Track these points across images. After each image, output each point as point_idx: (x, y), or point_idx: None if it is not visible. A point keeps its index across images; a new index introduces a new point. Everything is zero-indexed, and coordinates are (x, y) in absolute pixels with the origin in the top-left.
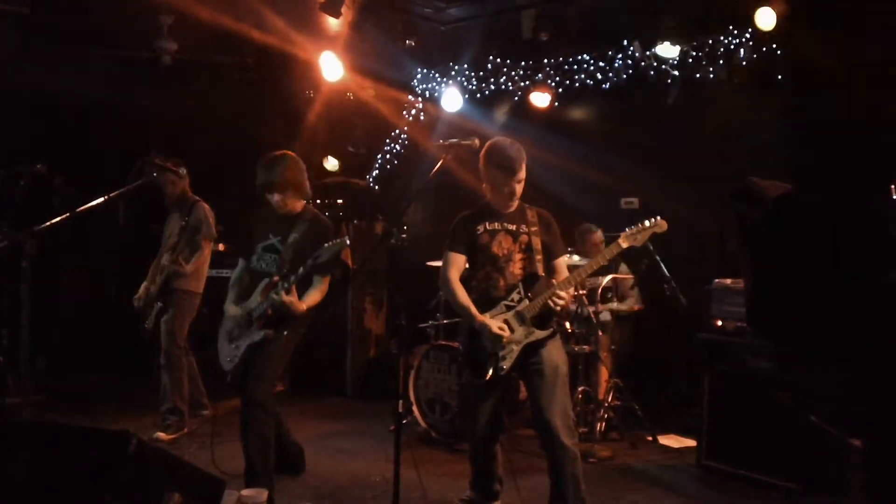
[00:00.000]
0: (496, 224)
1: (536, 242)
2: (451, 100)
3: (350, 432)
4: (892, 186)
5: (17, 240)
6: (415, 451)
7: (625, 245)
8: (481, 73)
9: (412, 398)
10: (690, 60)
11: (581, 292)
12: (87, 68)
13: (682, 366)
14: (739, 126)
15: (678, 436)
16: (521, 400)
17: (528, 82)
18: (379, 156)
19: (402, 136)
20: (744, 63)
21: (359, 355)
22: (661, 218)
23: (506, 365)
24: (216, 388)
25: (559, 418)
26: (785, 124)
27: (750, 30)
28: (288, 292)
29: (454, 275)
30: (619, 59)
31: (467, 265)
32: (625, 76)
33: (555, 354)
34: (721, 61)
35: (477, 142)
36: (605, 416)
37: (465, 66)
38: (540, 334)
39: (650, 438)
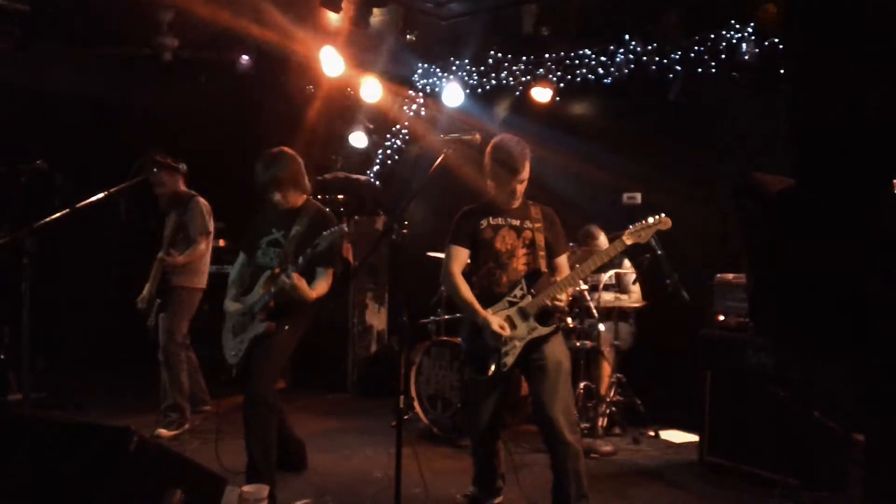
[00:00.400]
0: (500, 219)
1: (540, 239)
2: (452, 95)
3: (351, 429)
4: (895, 182)
5: (17, 237)
6: (416, 448)
7: (629, 242)
8: (482, 69)
9: (414, 394)
10: (692, 55)
11: (583, 288)
12: (87, 65)
13: (684, 361)
14: (742, 121)
15: (680, 431)
16: (523, 396)
17: (529, 77)
18: (380, 151)
19: (403, 131)
20: (746, 58)
21: (360, 351)
22: (665, 214)
23: (508, 361)
24: (218, 385)
25: (561, 414)
26: (787, 119)
27: (752, 25)
28: (290, 276)
29: (457, 269)
30: (621, 53)
31: (470, 260)
32: (626, 71)
33: (557, 350)
34: (723, 56)
35: (478, 137)
36: (607, 411)
37: (466, 61)
38: (542, 331)
39: (652, 434)
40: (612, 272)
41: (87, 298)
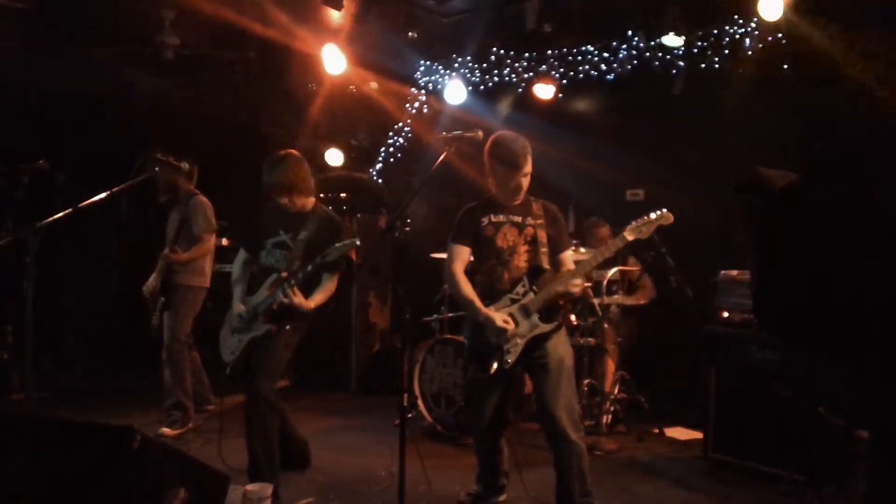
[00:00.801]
0: (501, 216)
1: (542, 235)
2: (455, 92)
3: (355, 427)
4: None
5: (20, 236)
6: (420, 446)
7: (630, 238)
8: (484, 66)
9: (417, 392)
10: (696, 51)
11: (587, 285)
12: (90, 64)
13: (688, 358)
14: (745, 117)
15: (684, 428)
16: (526, 393)
17: (531, 74)
18: (382, 149)
19: (406, 129)
20: (749, 53)
21: (363, 350)
22: (667, 210)
23: (510, 359)
24: (221, 384)
25: (564, 412)
26: (791, 114)
27: (755, 20)
28: (286, 294)
29: (459, 268)
30: (624, 50)
31: (472, 258)
32: (629, 67)
33: (560, 348)
34: (727, 52)
35: (480, 134)
36: (611, 408)
37: (469, 58)
38: (545, 328)
39: (656, 431)
40: (616, 269)
41: (90, 298)
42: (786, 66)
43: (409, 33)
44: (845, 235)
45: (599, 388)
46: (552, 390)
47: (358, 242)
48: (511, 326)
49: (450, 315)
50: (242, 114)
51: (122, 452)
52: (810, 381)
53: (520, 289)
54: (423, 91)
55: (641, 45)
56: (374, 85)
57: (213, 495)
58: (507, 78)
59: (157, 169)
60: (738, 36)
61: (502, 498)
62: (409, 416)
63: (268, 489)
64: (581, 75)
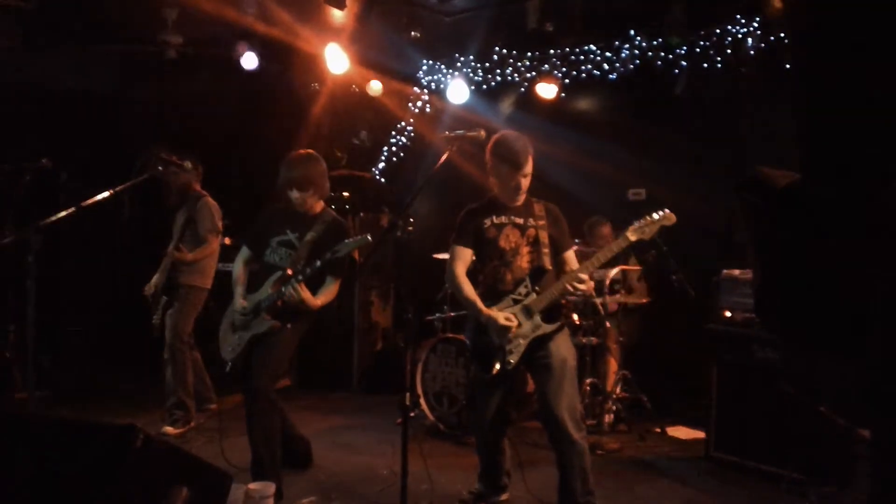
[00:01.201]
0: (503, 217)
1: (544, 236)
2: (457, 92)
3: (357, 426)
4: None
5: (22, 235)
6: (422, 445)
7: (633, 238)
8: (487, 65)
9: (419, 391)
10: (698, 50)
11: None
12: (92, 63)
13: (690, 357)
14: (747, 116)
15: (686, 427)
16: (528, 393)
17: (534, 73)
18: (384, 148)
19: (408, 128)
20: (751, 52)
21: (365, 349)
22: (669, 210)
23: (513, 359)
24: (223, 383)
25: (567, 412)
26: (793, 113)
27: (758, 19)
28: (296, 290)
29: (460, 269)
30: (626, 49)
31: (474, 259)
32: (632, 67)
33: (563, 348)
34: (729, 51)
35: (483, 133)
36: (613, 407)
37: (471, 57)
38: (547, 328)
39: (658, 430)
40: (618, 269)
41: (92, 297)
42: (788, 65)
43: (412, 33)
44: (847, 235)
45: (601, 388)
46: (555, 390)
47: (370, 238)
48: (514, 325)
49: (452, 314)
50: (245, 113)
51: (124, 451)
52: (812, 381)
53: (522, 289)
54: (425, 90)
55: (644, 44)
56: (376, 85)
57: (216, 494)
58: (509, 77)
59: (160, 168)
60: (740, 35)
61: (504, 497)
62: (412, 415)
63: (270, 488)
64: (583, 75)
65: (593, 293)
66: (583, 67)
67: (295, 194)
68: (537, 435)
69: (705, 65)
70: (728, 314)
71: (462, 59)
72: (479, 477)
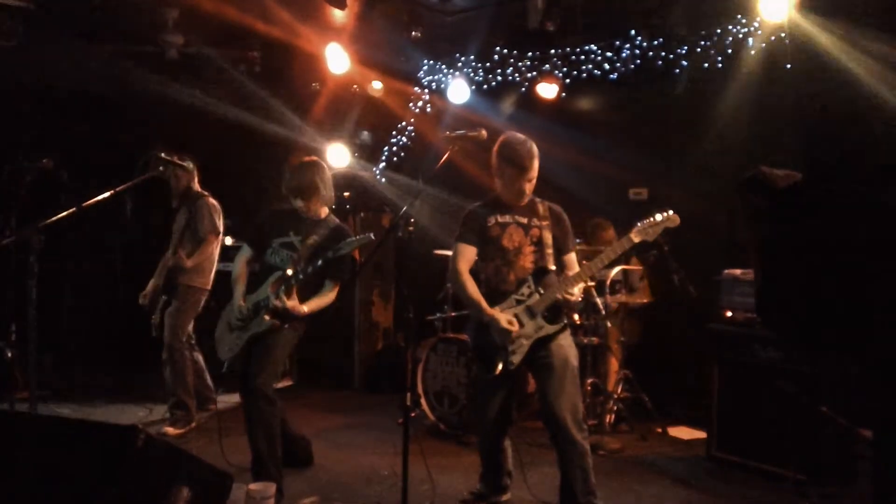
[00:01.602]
0: (507, 217)
1: (547, 236)
2: (458, 91)
3: (358, 425)
4: None
5: (23, 235)
6: (423, 444)
7: (637, 240)
8: (488, 64)
9: (420, 391)
10: (698, 50)
11: (590, 284)
12: (93, 62)
13: (691, 357)
14: (748, 116)
15: (687, 427)
16: (529, 392)
17: (535, 73)
18: (385, 148)
19: (409, 128)
20: (752, 53)
21: (366, 348)
22: (673, 211)
23: (515, 360)
24: (224, 383)
25: (568, 412)
26: (794, 114)
27: (758, 19)
28: (289, 295)
29: (464, 267)
30: (627, 49)
31: (478, 257)
32: (632, 66)
33: (565, 348)
34: (730, 51)
35: (484, 133)
36: (615, 407)
37: (472, 57)
38: (550, 329)
39: (659, 430)
40: (619, 269)
41: (94, 296)
42: (788, 66)
43: (413, 32)
44: (848, 235)
45: (603, 388)
46: (556, 391)
47: (372, 236)
48: (516, 328)
49: (453, 314)
50: (245, 112)
51: (125, 451)
52: (813, 380)
53: (525, 290)
54: (426, 90)
55: (644, 44)
56: (377, 85)
57: (217, 494)
58: (510, 77)
59: (161, 168)
60: (740, 35)
61: (505, 497)
62: (413, 414)
63: (271, 488)
64: (584, 74)
65: (594, 292)
66: (583, 67)
67: (299, 203)
68: (539, 435)
69: (706, 65)
70: (729, 314)
71: (463, 58)
72: (480, 477)
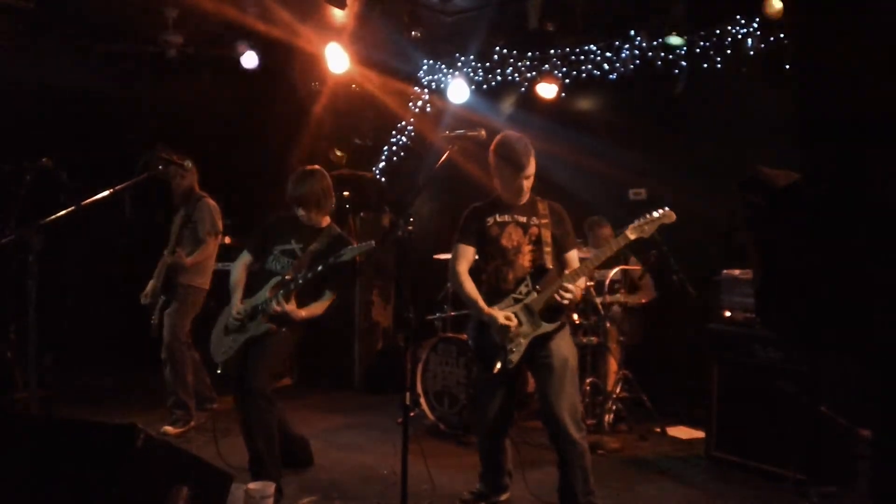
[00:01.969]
0: (506, 216)
1: (546, 235)
2: (458, 91)
3: (358, 425)
4: None
5: (23, 234)
6: (423, 444)
7: (632, 237)
8: (487, 65)
9: (420, 391)
10: (698, 50)
11: (589, 284)
12: (92, 62)
13: (690, 357)
14: (747, 116)
15: (687, 427)
16: (529, 392)
17: (534, 73)
18: (385, 148)
19: (409, 128)
20: (752, 53)
21: (366, 348)
22: (670, 209)
23: (514, 358)
24: (222, 383)
25: (567, 412)
26: (794, 113)
27: (758, 19)
28: (287, 300)
29: (463, 267)
30: (626, 49)
31: (477, 257)
32: (632, 66)
33: (564, 347)
34: (729, 51)
35: (484, 133)
36: (614, 407)
37: (472, 57)
38: (548, 327)
39: (658, 430)
40: (618, 268)
41: (93, 296)
42: (788, 65)
43: (413, 32)
44: (847, 234)
45: (602, 387)
46: (556, 390)
47: (374, 244)
48: (513, 324)
49: (453, 313)
50: (245, 113)
51: (125, 451)
52: (813, 380)
53: (523, 288)
54: (426, 90)
55: (644, 44)
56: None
57: (216, 494)
58: (509, 77)
59: (160, 167)
60: (740, 36)
61: (505, 496)
62: (412, 414)
63: (270, 487)
64: (584, 74)
65: (593, 292)
66: (583, 67)
67: (300, 212)
68: (538, 434)
69: (705, 65)
70: (728, 314)
71: (463, 58)
72: (479, 476)
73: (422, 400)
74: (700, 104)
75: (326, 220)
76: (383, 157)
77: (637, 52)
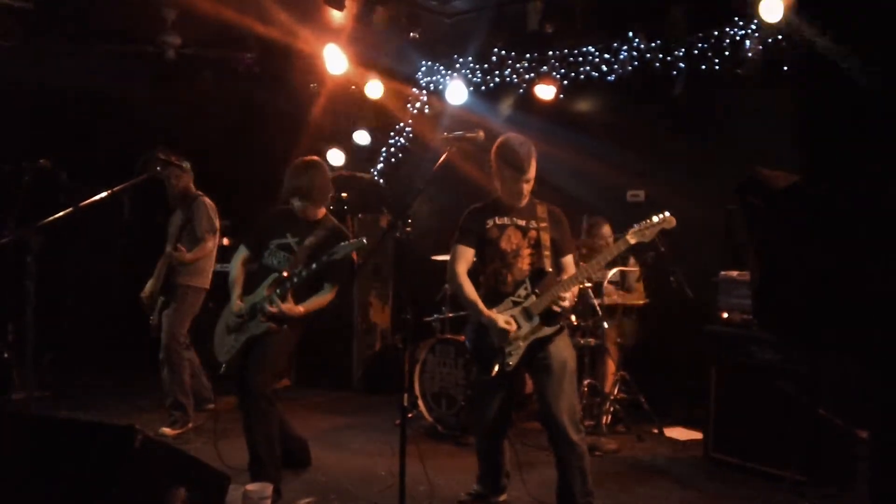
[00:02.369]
0: (506, 219)
1: (545, 238)
2: (456, 92)
3: (356, 426)
4: None
5: (21, 235)
6: (421, 445)
7: (633, 241)
8: (486, 66)
9: (418, 392)
10: (696, 52)
11: (587, 285)
12: (91, 63)
13: (688, 358)
14: (745, 118)
15: (684, 428)
16: (527, 394)
17: (533, 75)
18: (384, 149)
19: (407, 129)
20: (750, 55)
21: (364, 349)
22: (669, 213)
23: (512, 361)
24: (220, 384)
25: (566, 414)
26: (791, 115)
27: (756, 21)
28: (284, 299)
29: (462, 269)
30: (625, 51)
31: (476, 259)
32: (630, 68)
33: (562, 350)
34: (727, 53)
35: (482, 134)
36: (612, 408)
37: (470, 58)
38: (547, 330)
39: (656, 431)
40: (615, 270)
41: (92, 297)
42: (786, 68)
43: (411, 33)
44: (845, 235)
45: (600, 389)
46: (554, 392)
47: (365, 241)
48: (513, 329)
49: (451, 315)
50: (244, 114)
51: (123, 451)
52: (811, 381)
53: (522, 291)
54: (424, 91)
55: (642, 46)
56: (376, 86)
57: (214, 494)
58: (508, 78)
59: (158, 168)
60: (738, 38)
61: (503, 498)
62: (410, 415)
63: (268, 489)
64: (582, 76)
65: (592, 293)
66: (581, 69)
67: (297, 203)
68: (536, 436)
69: (703, 66)
70: (726, 315)
71: (461, 59)
72: (477, 478)
73: (420, 401)
74: (698, 106)
75: (322, 212)
76: (381, 159)
77: (635, 53)
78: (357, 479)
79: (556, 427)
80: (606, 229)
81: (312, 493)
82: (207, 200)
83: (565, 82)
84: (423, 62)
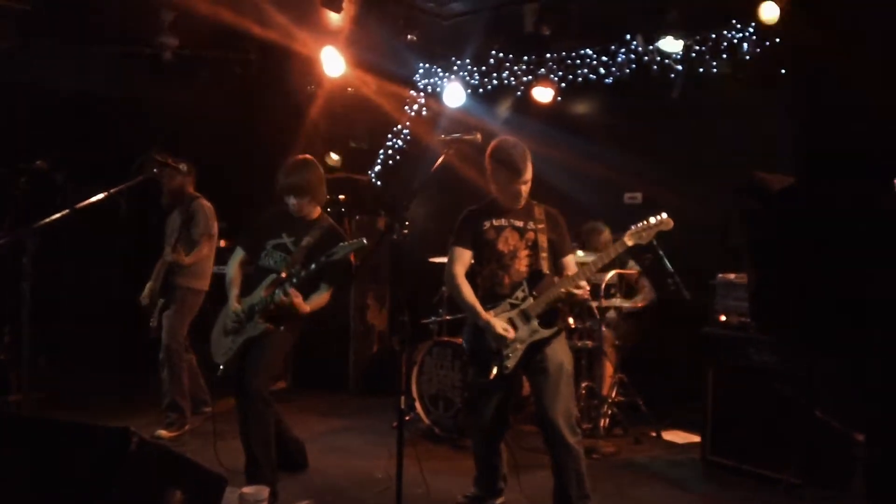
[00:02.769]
0: (503, 220)
1: (543, 240)
2: (454, 95)
3: (353, 429)
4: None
5: (18, 237)
6: (418, 448)
7: (630, 243)
8: (483, 68)
9: (415, 394)
10: (694, 55)
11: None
12: (89, 64)
13: (685, 361)
14: (743, 120)
15: (682, 431)
16: (525, 396)
17: (530, 77)
18: (381, 151)
19: (404, 131)
20: (747, 57)
21: (361, 351)
22: (666, 214)
23: (510, 364)
24: (218, 386)
25: (563, 417)
26: (789, 117)
27: (753, 24)
28: (287, 294)
29: (460, 271)
30: (622, 53)
31: (473, 261)
32: (628, 70)
33: (560, 352)
34: (724, 55)
35: (479, 136)
36: (609, 411)
37: (467, 60)
38: (545, 333)
39: (654, 434)
40: (613, 272)
41: (88, 299)
42: (783, 70)
43: (409, 36)
44: (842, 238)
45: (597, 391)
46: (551, 395)
47: (365, 241)
48: (511, 334)
49: (448, 317)
50: (241, 115)
51: (119, 454)
52: (808, 384)
53: (519, 293)
54: (422, 93)
55: (640, 48)
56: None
57: (210, 497)
58: (505, 80)
59: (155, 170)
60: (735, 40)
61: (500, 500)
62: (407, 418)
63: (264, 491)
64: (580, 78)
65: (589, 297)
66: (579, 71)
67: (292, 201)
68: (533, 438)
69: (701, 69)
70: (723, 318)
71: (459, 62)
72: (474, 480)
73: (417, 403)
74: (695, 108)
75: (318, 212)
76: (379, 161)
77: (633, 55)
78: (354, 481)
79: (552, 429)
80: (606, 235)
81: (309, 496)
82: (205, 202)
83: (563, 84)
84: (421, 64)
